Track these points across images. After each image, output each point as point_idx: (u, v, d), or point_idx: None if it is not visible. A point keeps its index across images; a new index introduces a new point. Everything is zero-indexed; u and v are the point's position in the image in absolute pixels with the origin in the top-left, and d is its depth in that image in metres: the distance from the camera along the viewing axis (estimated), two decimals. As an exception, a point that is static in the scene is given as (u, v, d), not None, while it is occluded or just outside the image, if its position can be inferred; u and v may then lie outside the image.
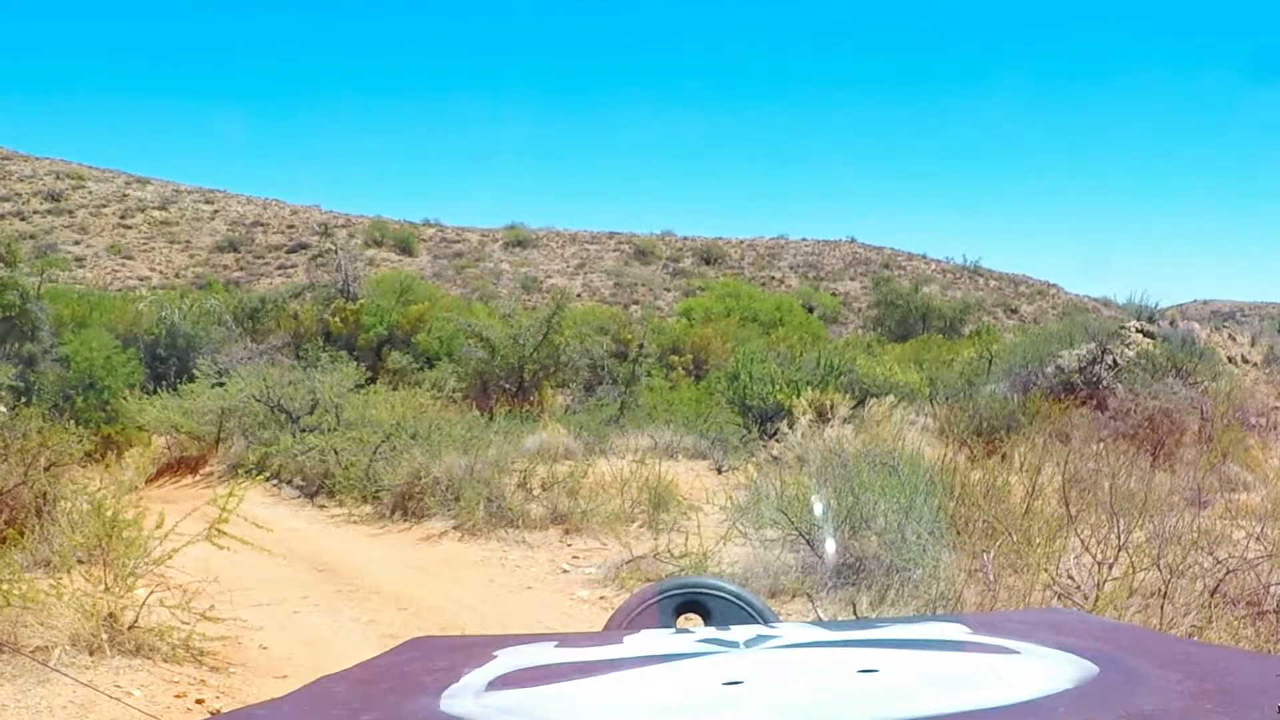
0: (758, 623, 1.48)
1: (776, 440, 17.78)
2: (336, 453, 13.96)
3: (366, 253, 54.97)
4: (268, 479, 13.88)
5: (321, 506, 13.58)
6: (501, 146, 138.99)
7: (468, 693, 0.98)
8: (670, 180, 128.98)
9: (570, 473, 12.99)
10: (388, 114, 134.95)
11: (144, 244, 55.68)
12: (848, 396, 18.19)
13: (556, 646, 1.19)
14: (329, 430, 15.13)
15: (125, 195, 59.85)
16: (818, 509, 9.25)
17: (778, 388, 19.39)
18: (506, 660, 1.12)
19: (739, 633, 1.22)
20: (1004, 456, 14.18)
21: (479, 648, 1.19)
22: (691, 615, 1.60)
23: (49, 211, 55.83)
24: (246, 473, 12.51)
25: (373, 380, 22.80)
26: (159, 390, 21.98)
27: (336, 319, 30.53)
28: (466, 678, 1.04)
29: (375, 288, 34.89)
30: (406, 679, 1.08)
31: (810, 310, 46.22)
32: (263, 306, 32.46)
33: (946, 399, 20.19)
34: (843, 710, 0.86)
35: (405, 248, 58.36)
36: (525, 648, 1.18)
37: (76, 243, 53.44)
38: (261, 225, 60.48)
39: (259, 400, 16.01)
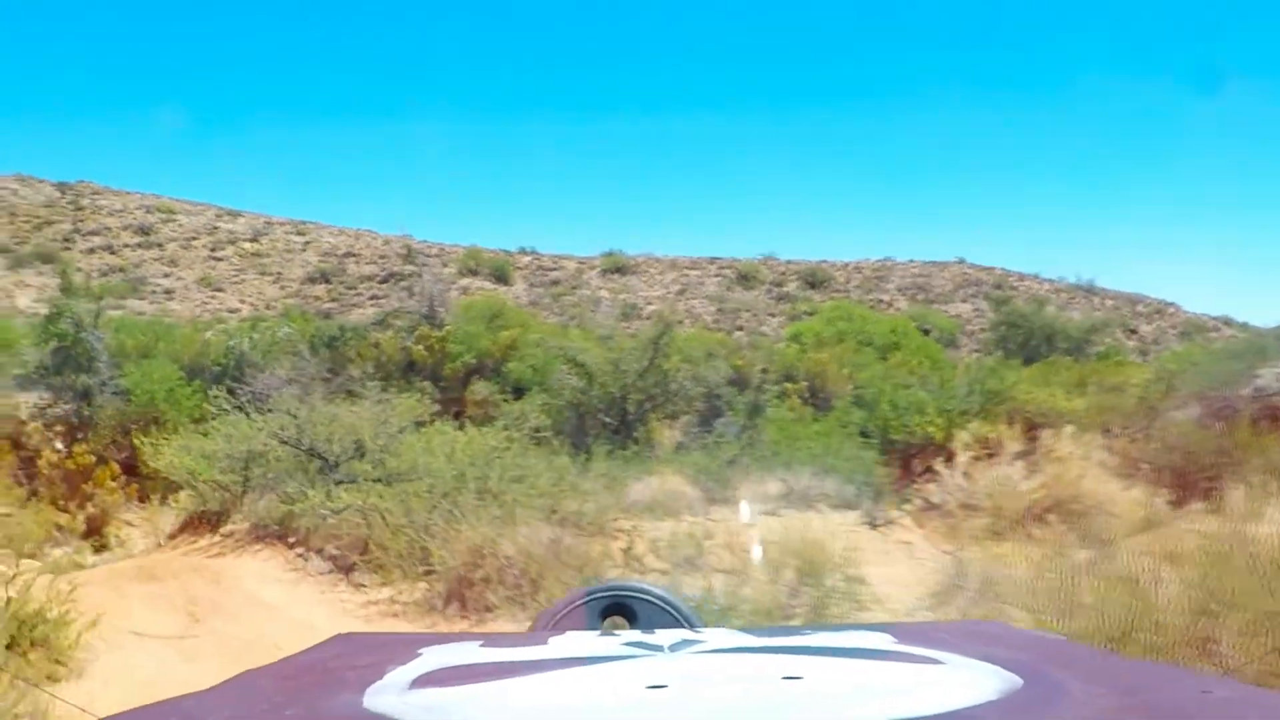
0: (683, 627, 1.49)
1: (930, 482, 14.68)
2: (382, 516, 10.79)
3: (461, 281, 53.37)
4: (291, 546, 10.91)
5: (358, 586, 11.01)
6: (597, 172, 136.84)
7: (391, 690, 0.96)
8: (771, 202, 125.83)
9: (690, 533, 9.92)
10: (480, 141, 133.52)
11: (234, 276, 54.79)
12: (1013, 428, 14.86)
13: (481, 646, 1.18)
14: (374, 482, 12.02)
15: (216, 228, 59.21)
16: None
17: (928, 418, 16.11)
18: (431, 659, 1.10)
19: (664, 637, 1.21)
20: (1213, 499, 10.92)
21: (404, 645, 1.16)
22: (617, 618, 1.58)
23: (139, 245, 55.29)
24: (265, 538, 9.77)
25: (460, 414, 20.26)
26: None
27: (420, 347, 28.19)
28: (390, 675, 1.02)
29: (463, 313, 32.59)
30: (331, 674, 1.06)
31: (926, 333, 42.93)
32: (341, 335, 30.09)
33: (1122, 429, 16.72)
34: (765, 716, 0.85)
35: (500, 276, 56.99)
36: (450, 646, 1.17)
37: (166, 275, 52.83)
38: (353, 256, 59.29)
39: (284, 442, 12.99)
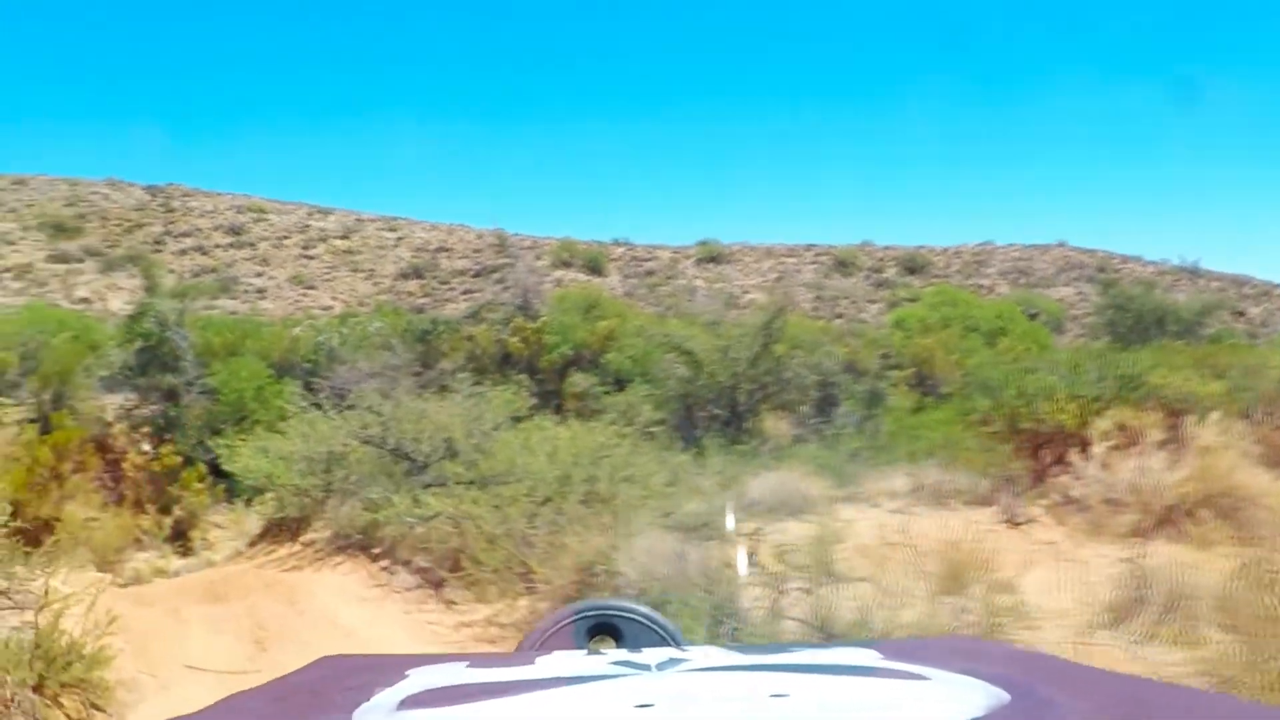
0: (669, 646, 1.47)
1: (1061, 474, 13.36)
2: (476, 524, 9.47)
3: (554, 274, 52.31)
4: (375, 558, 9.71)
5: (450, 605, 9.64)
6: (690, 160, 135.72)
7: (379, 711, 0.96)
8: (867, 187, 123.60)
9: (820, 536, 8.57)
10: (572, 134, 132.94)
11: (326, 274, 54.90)
12: (1152, 415, 13.41)
13: (468, 667, 1.15)
14: (467, 486, 10.72)
15: (307, 226, 59.33)
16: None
17: (1058, 405, 14.66)
18: (418, 680, 1.08)
19: (651, 655, 1.21)
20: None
21: (391, 667, 1.14)
22: (604, 637, 1.59)
23: (230, 245, 55.49)
24: (347, 549, 8.58)
25: (559, 409, 19.10)
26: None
27: (516, 339, 27.16)
28: (378, 696, 1.01)
29: (559, 304, 31.62)
30: (318, 696, 1.05)
31: (1033, 317, 41.38)
32: (434, 329, 29.19)
33: (1265, 414, 15.25)
34: None
35: (594, 268, 56.56)
36: (437, 667, 1.15)
37: (258, 274, 52.94)
38: (446, 251, 59.21)
39: (367, 441, 11.76)
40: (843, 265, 60.76)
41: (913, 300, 45.17)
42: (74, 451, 21.59)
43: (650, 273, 58.33)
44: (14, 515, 19.90)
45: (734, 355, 18.87)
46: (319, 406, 14.21)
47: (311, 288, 52.56)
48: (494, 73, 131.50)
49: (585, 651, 1.37)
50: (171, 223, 56.16)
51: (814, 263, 61.13)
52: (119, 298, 42.65)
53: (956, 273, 59.85)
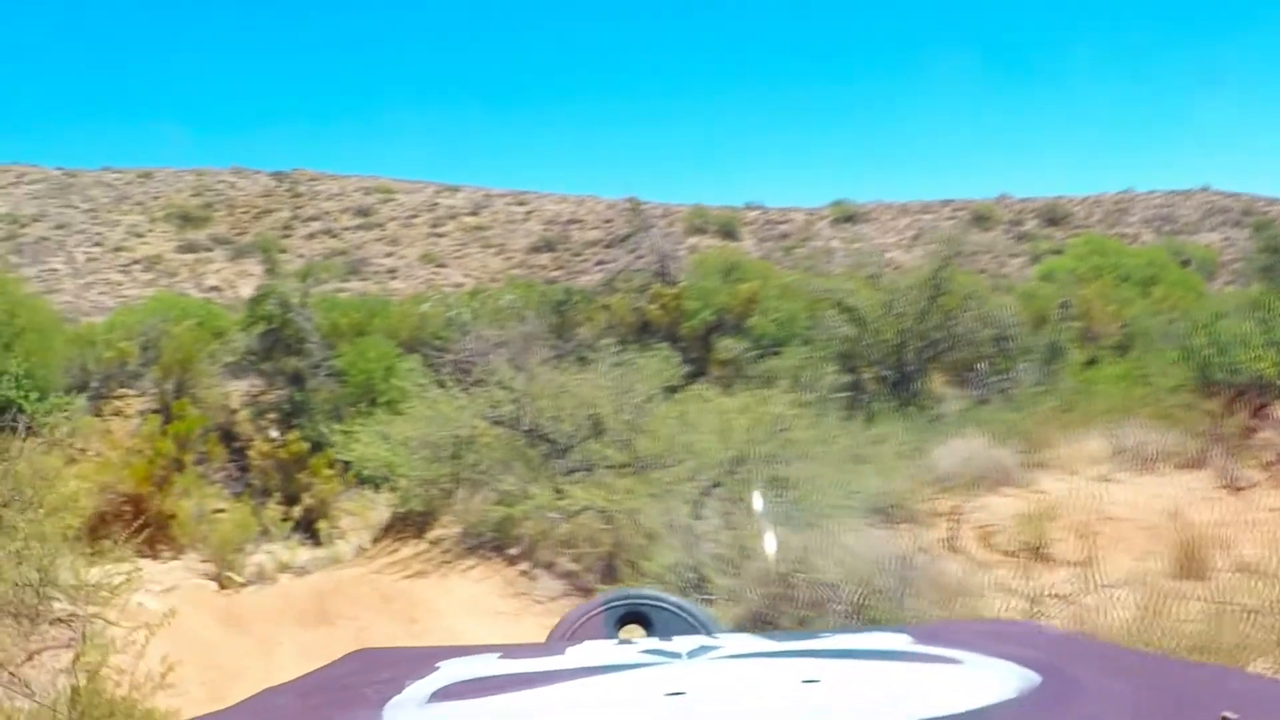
0: (700, 634, 1.44)
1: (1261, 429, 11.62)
2: (633, 518, 7.54)
3: (688, 240, 51.04)
4: (512, 561, 8.02)
5: None
6: (821, 121, 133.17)
7: (410, 704, 0.96)
8: (1001, 139, 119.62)
9: (1029, 513, 6.82)
10: (701, 100, 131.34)
11: (457, 251, 54.97)
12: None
13: (500, 658, 1.17)
14: (619, 470, 8.84)
15: (435, 204, 59.25)
16: None
17: (1254, 353, 12.82)
18: (449, 672, 1.09)
19: (681, 644, 1.21)
20: None
21: (422, 659, 1.15)
22: (634, 626, 1.59)
23: (359, 227, 55.77)
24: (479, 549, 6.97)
25: (700, 376, 17.40)
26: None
27: (654, 306, 25.67)
28: (409, 689, 1.01)
29: (697, 269, 30.06)
30: (349, 691, 1.06)
31: (1185, 264, 39.61)
32: (568, 299, 27.75)
33: None
34: None
35: (728, 233, 55.75)
36: (468, 659, 1.16)
37: (388, 255, 53.33)
38: (577, 223, 58.90)
39: (498, 423, 10.06)
40: (981, 219, 59.25)
41: (1056, 253, 43.87)
42: (197, 441, 20.62)
43: (785, 235, 57.44)
44: (136, 511, 18.89)
45: (900, 310, 16.90)
46: (442, 384, 12.63)
47: (443, 266, 52.27)
48: (620, 42, 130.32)
49: (615, 641, 1.39)
50: (299, 208, 56.59)
51: (951, 218, 59.40)
52: (249, 284, 42.43)
53: (1098, 222, 58.43)
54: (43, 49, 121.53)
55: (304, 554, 16.19)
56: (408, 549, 10.48)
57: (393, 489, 14.28)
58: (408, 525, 11.34)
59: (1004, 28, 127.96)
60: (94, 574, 7.31)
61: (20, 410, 20.64)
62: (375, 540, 12.45)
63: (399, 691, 0.99)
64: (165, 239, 51.42)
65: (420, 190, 60.62)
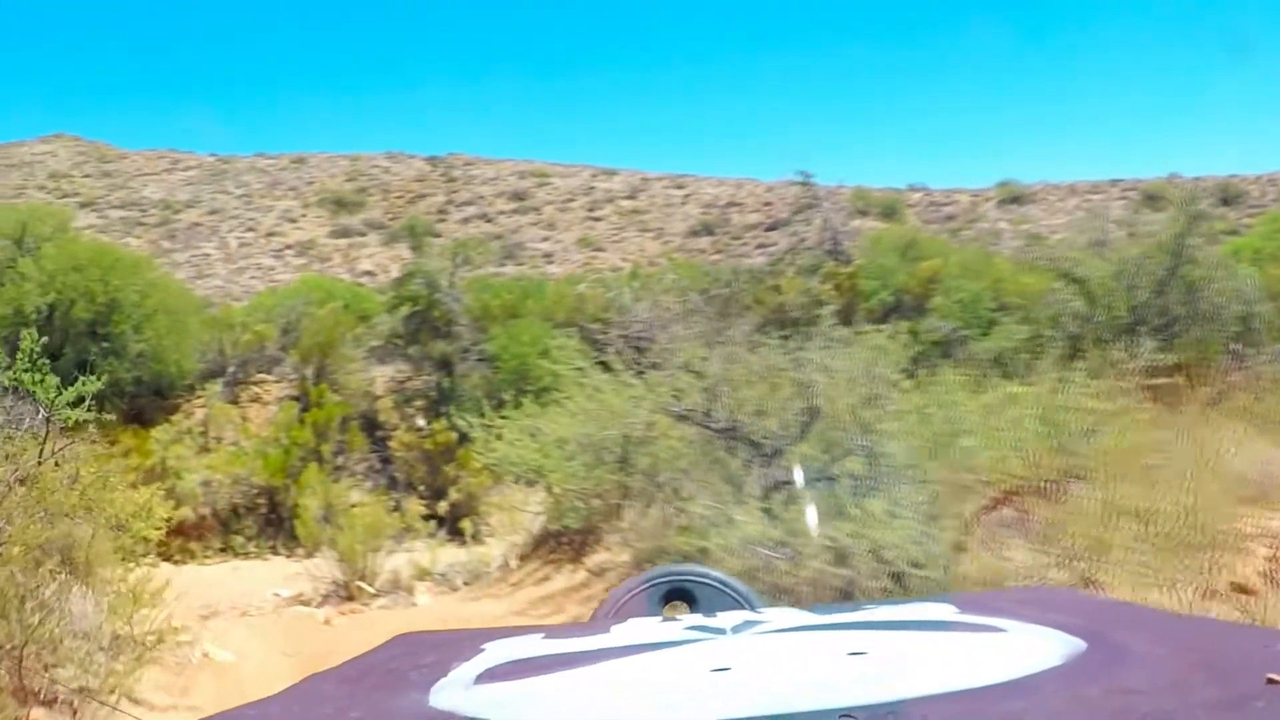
0: (744, 609, 1.46)
1: None
2: (879, 555, 5.21)
3: (851, 223, 48.80)
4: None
5: None
6: (984, 100, 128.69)
7: (456, 687, 0.97)
8: (1169, 116, 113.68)
9: None
10: (862, 80, 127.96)
11: (614, 235, 53.70)
12: None
13: (544, 638, 1.18)
14: (855, 486, 6.42)
15: (592, 188, 57.99)
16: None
17: None
18: (494, 653, 1.10)
19: (726, 619, 1.20)
20: None
21: (467, 641, 1.17)
22: (678, 603, 1.60)
23: (514, 211, 54.99)
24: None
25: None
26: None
27: (828, 286, 23.63)
28: (454, 672, 1.02)
29: (872, 247, 27.99)
30: (394, 675, 1.06)
31: None
32: (735, 279, 25.83)
33: None
34: (832, 693, 0.84)
35: (891, 214, 53.52)
36: (513, 640, 1.17)
37: (544, 239, 52.33)
38: (736, 205, 57.06)
39: (683, 417, 7.79)
40: (1152, 199, 52.13)
41: (1231, 233, 40.14)
42: (337, 430, 19.20)
43: (950, 217, 55.41)
44: (270, 504, 17.29)
45: (1132, 283, 14.36)
46: (607, 367, 10.51)
47: (600, 250, 51.19)
48: (776, 25, 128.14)
49: (660, 618, 1.40)
50: (454, 192, 56.08)
51: (1121, 198, 55.83)
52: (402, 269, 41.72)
53: (1273, 201, 54.71)
54: (198, 37, 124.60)
55: (446, 556, 14.75)
56: (561, 578, 8.49)
57: (548, 489, 12.39)
58: (563, 544, 9.33)
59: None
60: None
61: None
62: (523, 557, 10.50)
63: (444, 674, 0.99)
64: (318, 224, 51.63)
65: (576, 174, 59.69)
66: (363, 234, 49.76)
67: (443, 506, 18.35)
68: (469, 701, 0.90)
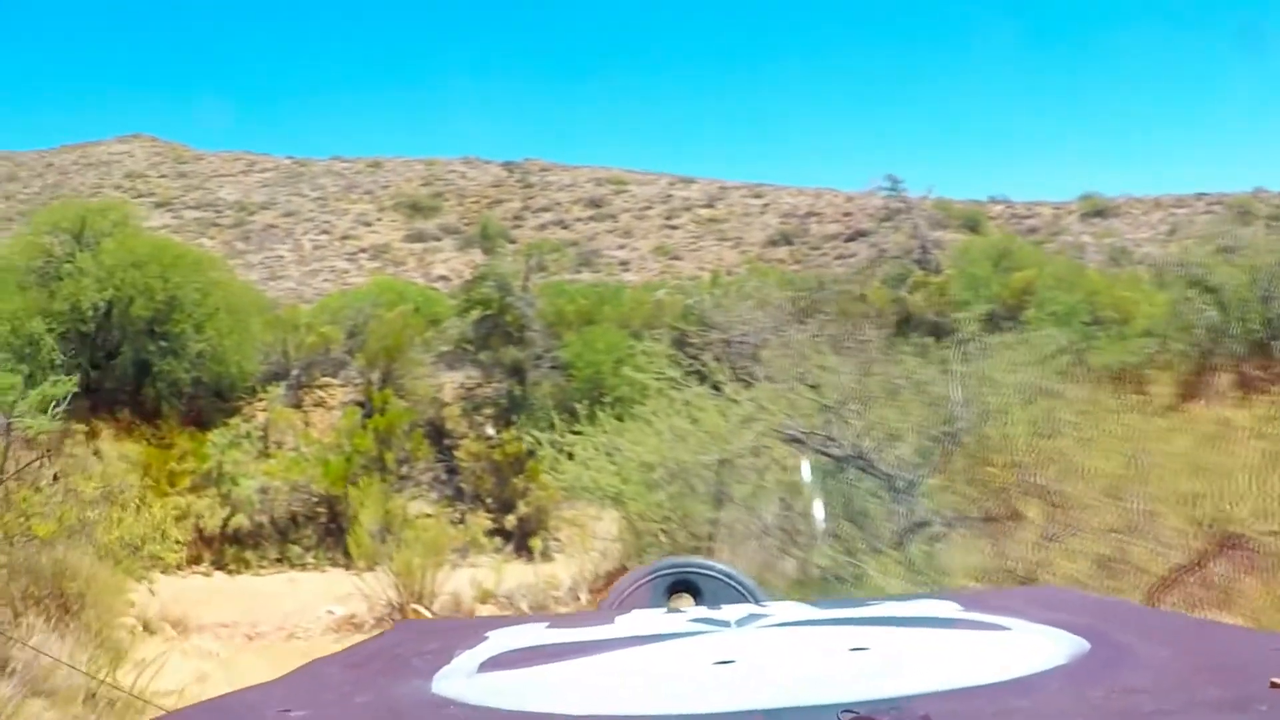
0: (749, 602, 1.48)
1: None
2: None
3: (931, 235, 47.87)
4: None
5: None
6: (1066, 111, 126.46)
7: (459, 674, 0.98)
8: (1254, 130, 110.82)
9: None
10: (940, 90, 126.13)
11: (691, 243, 52.90)
12: None
13: (548, 627, 1.19)
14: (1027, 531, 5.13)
15: (669, 196, 57.22)
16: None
17: None
18: (498, 641, 1.11)
19: (730, 612, 1.22)
20: None
21: (471, 629, 1.19)
22: (683, 595, 1.60)
23: (591, 218, 54.31)
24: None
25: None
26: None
27: (917, 296, 23.51)
28: (458, 659, 1.03)
29: (962, 256, 26.97)
30: (398, 661, 1.07)
31: None
32: (820, 288, 24.84)
33: None
34: (834, 688, 0.85)
35: (972, 227, 52.14)
36: (517, 628, 1.18)
37: (620, 247, 51.78)
38: (815, 215, 56.20)
39: (795, 440, 6.48)
40: (1241, 214, 53.40)
41: None
42: (402, 438, 18.23)
43: (1032, 230, 53.74)
44: (330, 514, 16.31)
45: (1268, 293, 12.98)
46: (702, 378, 9.23)
47: (676, 258, 50.35)
48: (855, 33, 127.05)
49: (664, 610, 1.41)
50: (530, 198, 55.43)
51: (1206, 212, 55.13)
52: (476, 275, 41.09)
53: None
54: (277, 40, 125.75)
55: (512, 575, 13.79)
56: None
57: (625, 517, 11.21)
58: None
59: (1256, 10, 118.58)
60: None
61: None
62: (595, 590, 9.39)
63: (447, 661, 1.00)
64: (393, 228, 51.37)
65: (654, 181, 58.84)
66: (438, 239, 49.39)
67: (510, 520, 17.35)
68: (472, 689, 0.90)
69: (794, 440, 6.79)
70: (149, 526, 6.83)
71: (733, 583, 1.55)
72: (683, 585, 1.57)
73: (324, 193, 54.90)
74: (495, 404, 20.03)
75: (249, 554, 16.57)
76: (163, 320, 17.64)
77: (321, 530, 16.99)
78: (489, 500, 18.08)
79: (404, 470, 18.24)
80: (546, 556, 16.42)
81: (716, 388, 9.17)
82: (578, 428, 10.84)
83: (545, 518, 17.24)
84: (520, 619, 1.24)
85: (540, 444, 11.36)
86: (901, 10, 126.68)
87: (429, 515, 17.85)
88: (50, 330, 16.65)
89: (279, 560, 16.77)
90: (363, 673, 1.01)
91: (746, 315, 13.81)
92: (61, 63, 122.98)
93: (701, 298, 21.90)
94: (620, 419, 9.93)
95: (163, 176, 56.19)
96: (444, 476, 18.70)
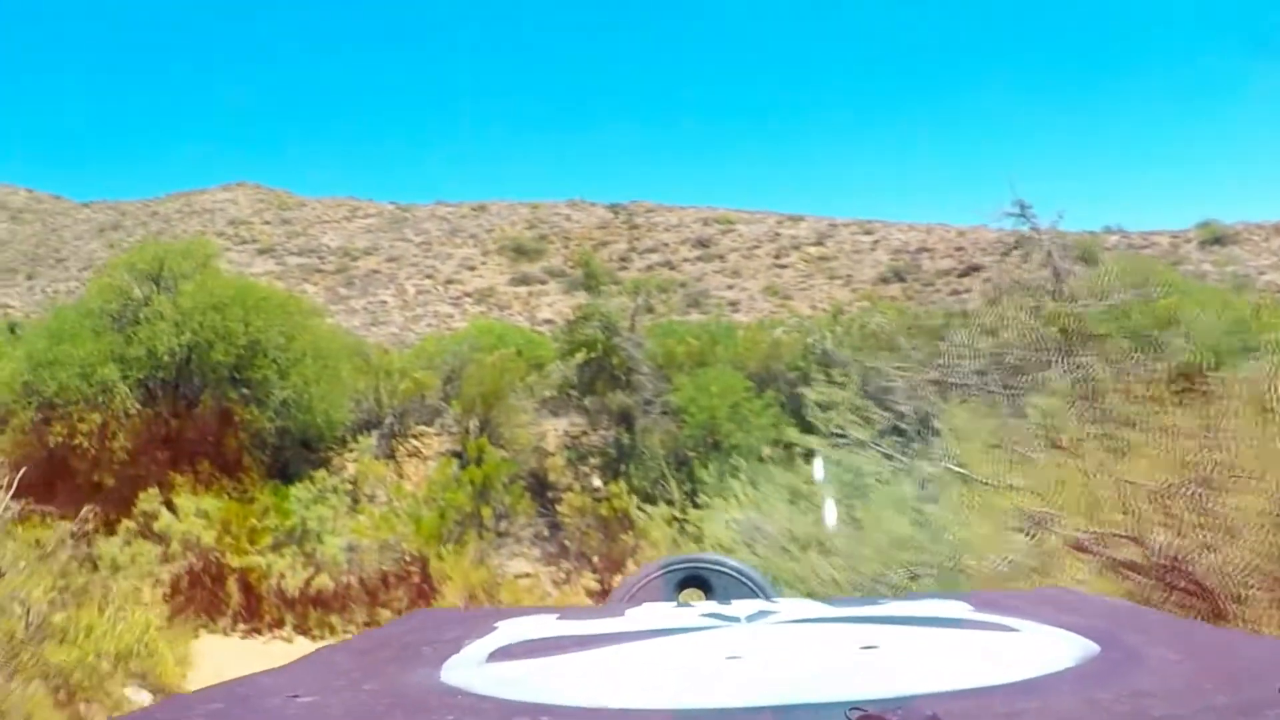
0: (759, 598, 1.45)
1: None
2: None
3: (1065, 263, 45.64)
4: None
5: None
6: (1180, 139, 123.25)
7: (469, 664, 0.98)
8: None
9: None
10: (1050, 121, 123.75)
11: (801, 282, 51.43)
12: None
13: (559, 619, 1.18)
14: None
15: (777, 235, 55.73)
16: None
17: None
18: (508, 632, 1.10)
19: (740, 608, 1.21)
20: None
21: (480, 619, 1.18)
22: (694, 590, 1.58)
23: (698, 258, 53.11)
24: None
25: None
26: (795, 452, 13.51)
27: (1052, 328, 20.17)
28: (467, 649, 1.03)
29: (1097, 281, 24.18)
30: (408, 649, 1.07)
31: None
32: (947, 323, 22.49)
33: None
34: (843, 685, 0.84)
35: (1087, 258, 48.65)
36: (527, 619, 1.17)
37: (729, 287, 50.23)
38: (927, 251, 54.78)
39: (1083, 549, 4.49)
40: None
41: None
42: (501, 490, 16.61)
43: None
44: (423, 574, 14.72)
45: None
46: (902, 433, 7.23)
47: (787, 298, 48.93)
48: (962, 69, 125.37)
49: (675, 604, 1.39)
50: (636, 239, 54.61)
51: None
52: (583, 317, 39.95)
53: None
54: (379, 88, 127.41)
55: None
56: None
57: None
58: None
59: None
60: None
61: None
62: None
63: (456, 651, 0.99)
64: (498, 271, 50.91)
65: (762, 220, 57.49)
66: (543, 282, 48.72)
67: (617, 582, 15.59)
68: (480, 679, 0.90)
69: (1082, 549, 4.74)
70: (131, 636, 5.24)
71: (744, 578, 1.50)
72: (694, 580, 1.52)
73: (428, 237, 54.61)
74: (602, 453, 18.35)
75: (334, 618, 15.12)
76: (245, 366, 16.35)
77: (414, 592, 15.47)
78: (594, 559, 16.38)
79: (502, 526, 16.65)
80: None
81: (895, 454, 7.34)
82: (704, 497, 8.97)
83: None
84: (531, 610, 1.15)
85: (650, 516, 9.54)
86: (1009, 46, 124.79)
87: (528, 575, 16.26)
88: (125, 378, 15.41)
89: (368, 624, 15.29)
90: (372, 660, 1.00)
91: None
92: (167, 113, 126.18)
93: (822, 335, 20.10)
94: (755, 484, 8.04)
95: (266, 223, 56.44)
96: (546, 532, 17.04)
